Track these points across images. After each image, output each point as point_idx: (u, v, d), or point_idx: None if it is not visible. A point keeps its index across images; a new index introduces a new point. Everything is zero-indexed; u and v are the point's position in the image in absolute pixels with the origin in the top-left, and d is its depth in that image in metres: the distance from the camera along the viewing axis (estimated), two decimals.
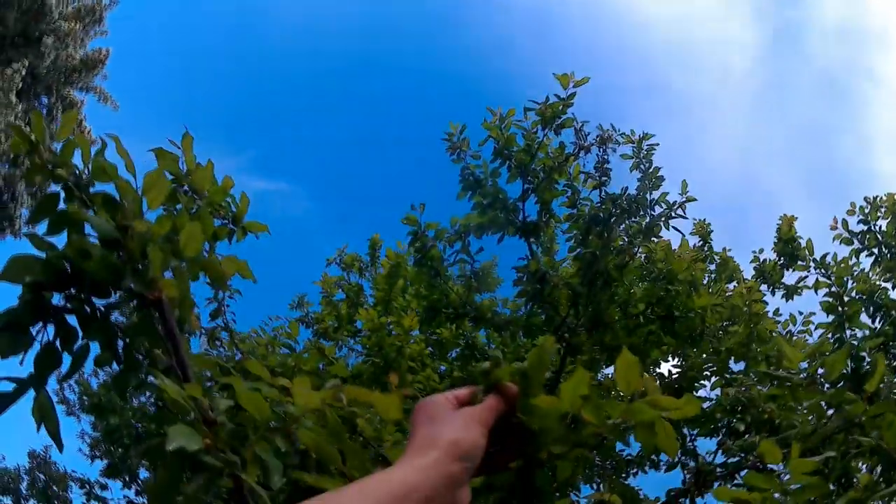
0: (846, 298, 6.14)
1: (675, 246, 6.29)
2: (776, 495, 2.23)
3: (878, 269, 7.16)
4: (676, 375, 6.46)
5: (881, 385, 5.89)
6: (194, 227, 1.69)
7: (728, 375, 6.19)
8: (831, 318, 6.14)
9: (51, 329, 1.54)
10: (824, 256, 6.97)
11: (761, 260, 8.18)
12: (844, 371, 5.78)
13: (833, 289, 6.22)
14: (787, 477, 2.32)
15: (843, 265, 6.65)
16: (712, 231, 8.38)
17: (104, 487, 11.13)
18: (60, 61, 17.15)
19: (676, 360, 6.60)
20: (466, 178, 6.15)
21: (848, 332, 6.11)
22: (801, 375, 4.48)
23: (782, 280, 8.04)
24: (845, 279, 6.42)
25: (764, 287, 7.90)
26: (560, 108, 5.87)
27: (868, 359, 5.87)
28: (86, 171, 1.75)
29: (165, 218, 1.69)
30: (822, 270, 6.82)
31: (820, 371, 5.71)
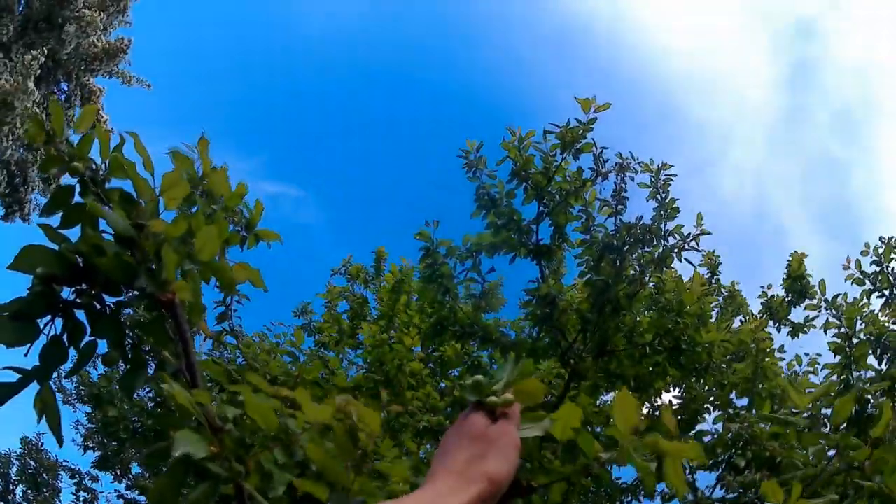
0: (855, 340, 6.08)
1: (685, 277, 6.26)
2: None
3: (888, 311, 7.09)
4: (677, 407, 6.42)
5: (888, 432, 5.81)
6: (211, 230, 1.67)
7: (731, 410, 6.14)
8: (838, 358, 6.08)
9: (59, 323, 1.51)
10: (836, 297, 6.91)
11: (769, 296, 8.14)
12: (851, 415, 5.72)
13: (842, 330, 6.15)
14: None
15: (854, 306, 6.58)
16: (721, 263, 8.37)
17: (94, 479, 11.09)
18: (82, 49, 17.18)
19: (678, 391, 6.55)
20: (482, 196, 6.12)
21: (855, 373, 6.04)
22: (805, 415, 4.45)
23: (789, 317, 7.99)
24: (855, 320, 6.35)
25: (770, 323, 7.87)
26: (580, 132, 5.84)
27: (872, 401, 5.80)
28: (103, 166, 1.73)
29: (182, 219, 1.66)
30: (833, 311, 6.76)
31: (824, 411, 5.69)
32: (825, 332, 6.75)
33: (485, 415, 1.14)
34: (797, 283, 7.91)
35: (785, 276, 8.03)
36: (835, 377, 6.06)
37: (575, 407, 1.36)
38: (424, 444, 5.99)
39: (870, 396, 5.84)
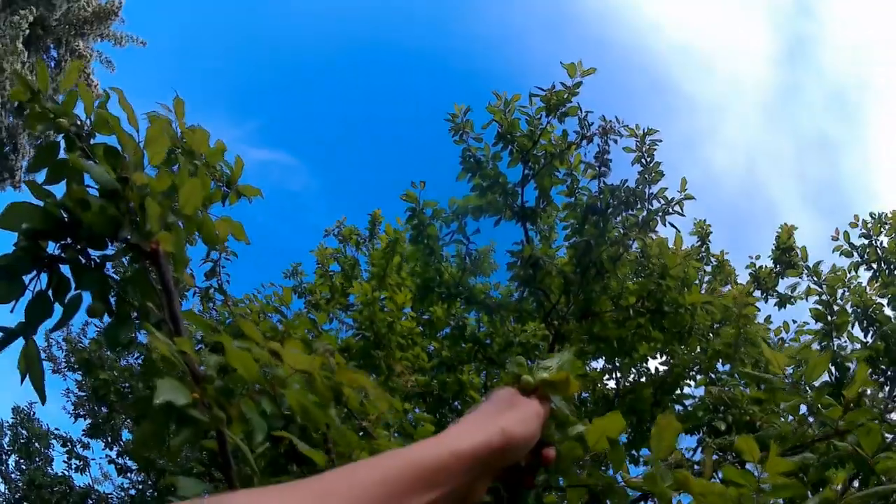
0: (836, 308, 6.16)
1: (670, 242, 6.31)
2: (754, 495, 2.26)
3: (875, 284, 7.19)
4: (662, 372, 6.51)
5: (865, 398, 5.95)
6: (194, 184, 1.70)
7: (713, 375, 6.23)
8: (820, 325, 6.18)
9: (44, 278, 1.55)
10: (818, 264, 7.00)
11: (757, 266, 8.21)
12: (829, 380, 5.83)
13: (824, 297, 6.24)
14: (764, 475, 2.35)
15: (835, 274, 6.67)
16: (711, 232, 8.43)
17: (86, 447, 11.16)
18: (72, 13, 17.02)
19: (664, 357, 6.63)
20: (467, 159, 6.16)
21: (836, 341, 6.14)
22: (786, 380, 4.52)
23: (776, 288, 8.06)
24: (837, 287, 6.44)
25: (758, 293, 7.95)
26: (565, 96, 5.87)
27: (853, 368, 5.90)
28: (87, 122, 1.76)
29: (165, 173, 1.69)
30: (815, 278, 6.85)
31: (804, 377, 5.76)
32: (806, 298, 6.86)
33: (515, 389, 1.15)
34: (786, 254, 7.96)
35: (774, 247, 8.10)
36: (817, 344, 6.15)
37: (618, 417, 1.39)
38: (412, 407, 6.06)
39: (850, 364, 5.97)
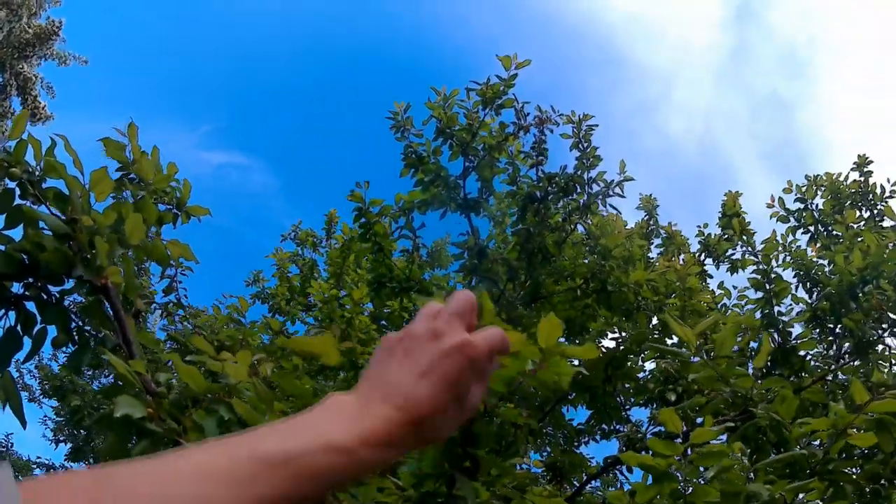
0: (773, 276, 6.43)
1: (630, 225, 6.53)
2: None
3: (815, 246, 7.48)
4: (614, 347, 6.75)
5: (811, 360, 6.26)
6: (136, 217, 1.89)
7: (663, 347, 6.46)
8: (760, 294, 6.45)
9: (12, 315, 1.73)
10: (752, 234, 7.28)
11: (706, 234, 8.37)
12: (772, 346, 6.14)
13: (760, 266, 6.51)
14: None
15: (769, 244, 6.95)
16: (658, 206, 8.67)
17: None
18: (14, 35, 16.89)
19: (617, 334, 6.86)
20: (409, 155, 6.34)
21: (776, 308, 6.42)
22: (735, 349, 4.78)
23: (727, 254, 8.30)
24: (773, 256, 6.71)
25: (710, 261, 8.20)
26: (501, 88, 6.07)
27: (796, 333, 6.21)
28: (38, 168, 1.93)
29: (110, 210, 1.88)
30: (749, 248, 7.13)
31: (753, 344, 6.09)
32: (743, 269, 7.15)
33: (425, 318, 0.84)
34: (732, 220, 8.16)
35: (720, 215, 8.22)
36: (759, 313, 6.43)
37: (556, 319, 1.40)
38: None
39: (792, 330, 6.28)
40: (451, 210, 6.33)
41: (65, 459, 10.93)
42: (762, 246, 6.83)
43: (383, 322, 6.80)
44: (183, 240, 2.52)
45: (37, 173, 1.92)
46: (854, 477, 3.09)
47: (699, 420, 2.96)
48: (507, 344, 0.85)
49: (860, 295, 6.06)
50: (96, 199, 1.89)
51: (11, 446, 11.52)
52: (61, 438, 10.56)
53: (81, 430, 9.86)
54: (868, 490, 3.36)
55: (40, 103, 17.65)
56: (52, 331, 1.79)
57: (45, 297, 1.74)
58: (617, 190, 6.32)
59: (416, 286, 6.48)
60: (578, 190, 6.19)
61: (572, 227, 6.22)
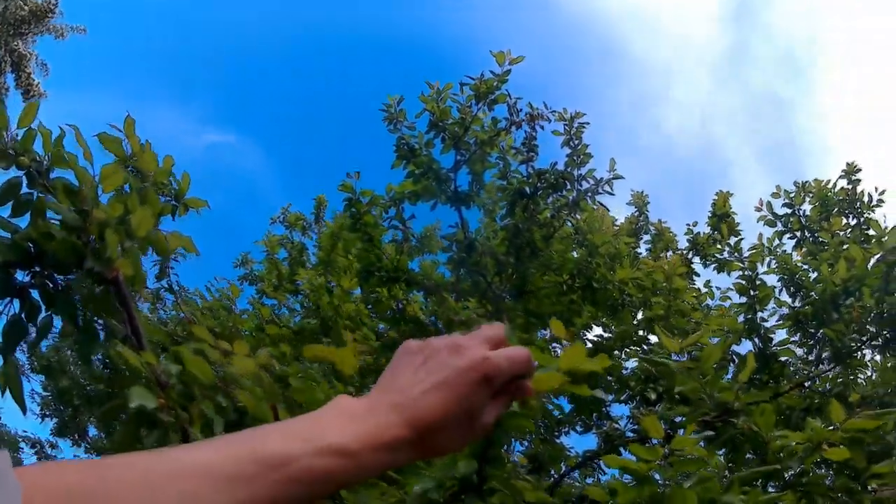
0: (758, 282, 6.52)
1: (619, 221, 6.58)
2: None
3: (801, 251, 7.57)
4: (598, 344, 6.81)
5: (790, 364, 6.35)
6: (145, 211, 1.92)
7: (645, 346, 6.54)
8: (744, 299, 6.55)
9: (17, 303, 1.75)
10: (739, 241, 7.36)
11: (695, 232, 8.37)
12: (754, 351, 6.24)
13: (746, 272, 6.60)
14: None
15: (755, 252, 7.02)
16: (649, 202, 8.73)
17: (53, 446, 11.24)
18: (9, 12, 16.74)
19: (603, 329, 6.92)
20: (401, 147, 6.38)
21: (759, 314, 6.52)
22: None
23: (715, 254, 8.35)
24: (757, 262, 6.79)
25: (697, 259, 8.25)
26: (494, 84, 6.11)
27: (776, 339, 6.31)
28: (46, 158, 1.95)
29: (118, 202, 1.90)
30: (737, 254, 7.21)
31: (735, 348, 6.17)
32: (728, 273, 7.23)
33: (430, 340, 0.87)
34: (722, 220, 8.20)
35: (710, 214, 8.27)
36: (741, 317, 6.52)
37: (581, 348, 1.48)
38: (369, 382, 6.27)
39: (773, 336, 6.39)
40: (441, 202, 6.37)
41: (51, 434, 10.92)
42: (749, 253, 6.92)
43: (370, 306, 6.83)
44: (171, 219, 2.56)
45: (45, 163, 1.94)
46: (827, 489, 3.17)
47: (681, 429, 3.02)
48: (532, 366, 0.84)
49: (842, 306, 6.16)
50: (104, 191, 1.91)
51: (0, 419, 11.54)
52: (48, 413, 10.56)
53: (69, 408, 9.86)
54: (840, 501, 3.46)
55: (34, 81, 17.54)
56: (58, 321, 1.81)
57: (50, 285, 1.76)
58: (606, 187, 6.38)
59: (404, 276, 6.53)
60: (568, 186, 6.24)
61: (560, 223, 6.27)
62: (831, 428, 2.94)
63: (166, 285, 4.55)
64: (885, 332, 6.14)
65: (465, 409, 0.77)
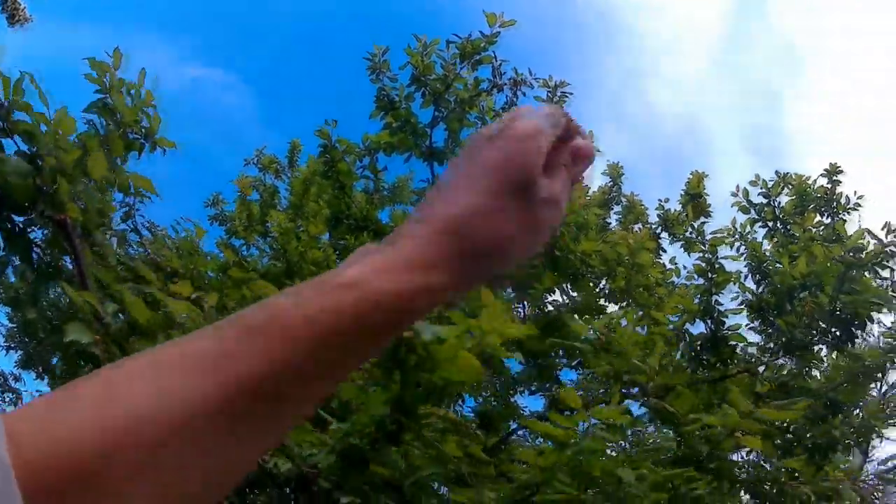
0: (717, 266, 6.72)
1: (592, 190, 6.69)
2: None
3: (773, 241, 7.76)
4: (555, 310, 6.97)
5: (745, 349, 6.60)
6: (99, 156, 2.03)
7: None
8: (702, 281, 6.78)
9: None
10: (703, 224, 7.54)
11: (666, 209, 8.51)
12: (705, 332, 6.48)
13: (706, 255, 6.80)
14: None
15: (716, 237, 7.18)
16: (623, 174, 8.83)
17: (17, 379, 11.32)
18: None
19: (562, 297, 7.08)
20: (381, 98, 6.46)
21: (715, 297, 6.74)
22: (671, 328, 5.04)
23: (684, 233, 8.48)
24: (726, 244, 6.97)
25: (666, 236, 8.38)
26: (482, 45, 6.17)
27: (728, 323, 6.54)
28: (6, 103, 2.05)
29: (75, 149, 2.01)
30: (699, 236, 7.39)
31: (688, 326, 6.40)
32: (689, 254, 7.43)
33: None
34: (694, 199, 8.34)
35: (683, 192, 8.40)
36: (697, 298, 6.75)
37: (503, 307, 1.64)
38: None
39: (725, 320, 6.63)
40: (415, 156, 6.47)
41: (15, 366, 11.00)
42: (711, 236, 7.10)
43: (337, 253, 6.94)
44: (153, 156, 2.68)
45: (5, 106, 2.04)
46: (735, 476, 3.37)
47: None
48: (573, 122, 0.69)
49: (797, 299, 6.37)
50: (62, 135, 2.01)
51: None
52: (13, 346, 10.62)
53: (34, 341, 9.93)
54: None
55: (20, 5, 17.29)
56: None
57: (9, 226, 1.87)
58: None
59: (373, 225, 6.65)
60: None
61: None
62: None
63: (132, 226, 4.62)
64: (835, 330, 6.40)
65: (509, 188, 0.60)
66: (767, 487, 3.65)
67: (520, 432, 6.61)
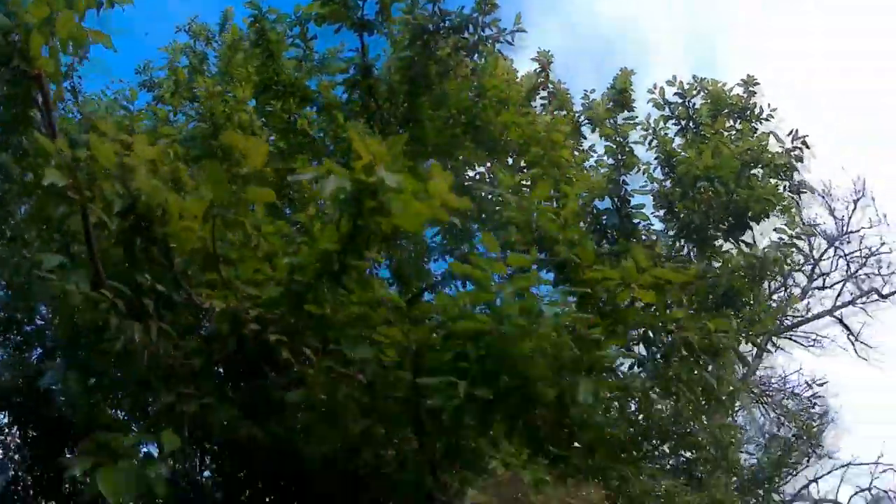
0: (627, 149, 7.26)
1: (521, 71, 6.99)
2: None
3: (687, 138, 8.33)
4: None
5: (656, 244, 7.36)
6: (68, 13, 2.22)
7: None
8: (612, 161, 7.32)
9: None
10: (632, 108, 8.06)
11: (590, 99, 8.75)
12: (611, 209, 7.12)
13: (617, 138, 7.29)
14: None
15: (626, 124, 7.88)
16: (553, 62, 9.01)
17: None
18: None
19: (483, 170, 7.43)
20: None
21: (622, 177, 7.42)
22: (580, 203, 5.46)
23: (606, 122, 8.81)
24: (629, 132, 7.59)
25: (590, 125, 8.70)
26: None
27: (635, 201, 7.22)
28: None
29: (43, 5, 2.20)
30: (613, 122, 7.89)
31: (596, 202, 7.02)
32: (602, 138, 7.90)
33: None
34: (620, 94, 8.54)
35: (609, 86, 8.64)
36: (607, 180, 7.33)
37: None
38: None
39: (631, 198, 7.44)
40: (346, 27, 6.57)
41: None
42: (622, 122, 7.80)
43: (263, 119, 7.06)
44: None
45: None
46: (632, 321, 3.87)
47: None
48: None
49: (698, 190, 7.05)
50: None
51: None
52: None
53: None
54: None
55: None
56: None
57: None
58: (508, 38, 6.72)
59: (300, 92, 6.79)
60: (470, 30, 6.55)
61: (456, 62, 6.60)
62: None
63: (69, 86, 4.70)
64: (731, 219, 7.14)
65: None
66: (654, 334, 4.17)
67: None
